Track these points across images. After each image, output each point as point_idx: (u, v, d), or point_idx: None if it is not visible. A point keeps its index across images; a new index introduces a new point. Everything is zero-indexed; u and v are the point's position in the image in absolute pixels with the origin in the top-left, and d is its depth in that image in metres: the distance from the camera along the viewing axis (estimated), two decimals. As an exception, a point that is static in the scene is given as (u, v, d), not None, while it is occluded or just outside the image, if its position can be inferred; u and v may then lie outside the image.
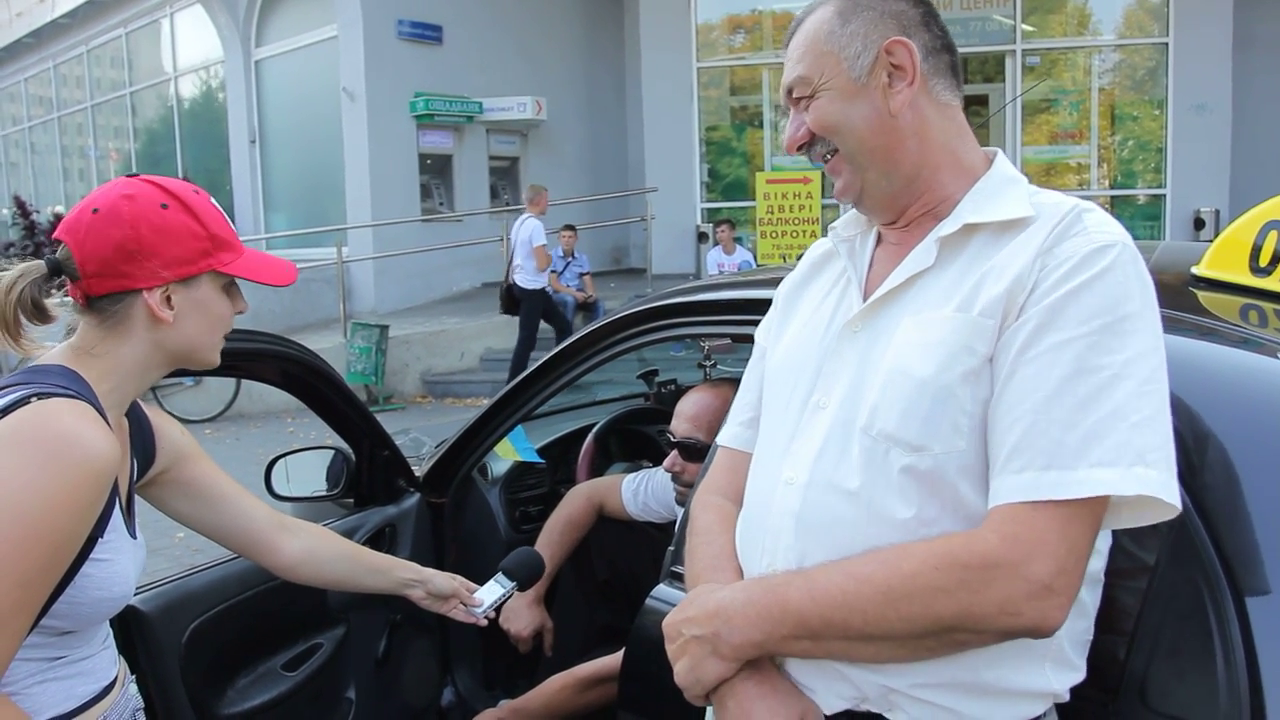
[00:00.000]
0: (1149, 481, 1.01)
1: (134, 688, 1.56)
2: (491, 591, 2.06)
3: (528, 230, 10.13)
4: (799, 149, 1.28)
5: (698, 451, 2.39)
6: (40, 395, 1.27)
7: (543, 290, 10.34)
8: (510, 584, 2.09)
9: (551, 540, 2.73)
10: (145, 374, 1.44)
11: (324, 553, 1.87)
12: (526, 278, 10.17)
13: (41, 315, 1.38)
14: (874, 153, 1.22)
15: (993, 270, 1.13)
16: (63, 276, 1.38)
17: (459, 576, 2.04)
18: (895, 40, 1.20)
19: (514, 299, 10.33)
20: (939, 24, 1.26)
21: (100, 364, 1.38)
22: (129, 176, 1.42)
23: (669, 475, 2.59)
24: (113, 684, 1.47)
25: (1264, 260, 1.52)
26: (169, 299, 1.39)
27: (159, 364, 1.44)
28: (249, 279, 1.47)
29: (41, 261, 1.38)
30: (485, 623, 2.08)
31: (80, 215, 1.36)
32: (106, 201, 1.36)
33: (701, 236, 13.53)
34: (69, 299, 1.42)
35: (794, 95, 1.26)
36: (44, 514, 1.21)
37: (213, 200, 1.46)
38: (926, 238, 1.21)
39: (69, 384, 1.32)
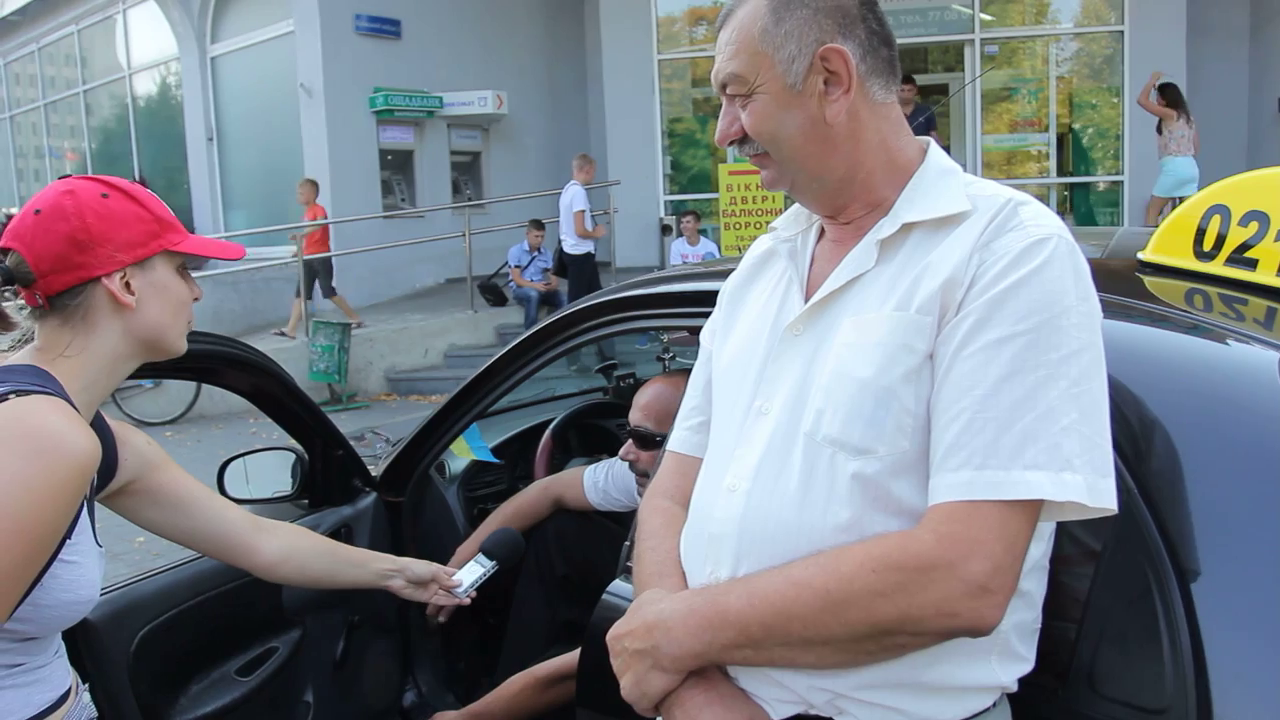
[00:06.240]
0: (1073, 487, 1.01)
1: (87, 696, 1.55)
2: (471, 572, 2.11)
3: (569, 196, 10.53)
4: (730, 143, 1.24)
5: (649, 440, 2.42)
6: (19, 392, 1.29)
7: (589, 255, 10.64)
8: (490, 563, 2.14)
9: (494, 522, 2.73)
10: (115, 368, 1.45)
11: (304, 550, 1.89)
12: (572, 243, 10.56)
13: (4, 322, 1.41)
14: (807, 159, 1.20)
15: (929, 266, 1.12)
16: (14, 285, 1.38)
17: (435, 563, 2.08)
18: (831, 48, 1.16)
19: (563, 264, 10.75)
20: (876, 13, 1.21)
21: (70, 364, 1.39)
22: (63, 178, 1.44)
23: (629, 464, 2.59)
24: (67, 693, 1.46)
25: (1208, 244, 1.53)
26: (128, 284, 1.41)
27: (128, 354, 1.46)
28: (202, 254, 1.50)
29: None
30: (468, 602, 2.13)
31: (23, 219, 1.38)
32: (48, 201, 1.38)
33: (665, 229, 13.49)
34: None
35: (728, 91, 1.22)
36: (28, 508, 1.23)
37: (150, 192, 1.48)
38: (865, 238, 1.19)
39: (44, 382, 1.34)
